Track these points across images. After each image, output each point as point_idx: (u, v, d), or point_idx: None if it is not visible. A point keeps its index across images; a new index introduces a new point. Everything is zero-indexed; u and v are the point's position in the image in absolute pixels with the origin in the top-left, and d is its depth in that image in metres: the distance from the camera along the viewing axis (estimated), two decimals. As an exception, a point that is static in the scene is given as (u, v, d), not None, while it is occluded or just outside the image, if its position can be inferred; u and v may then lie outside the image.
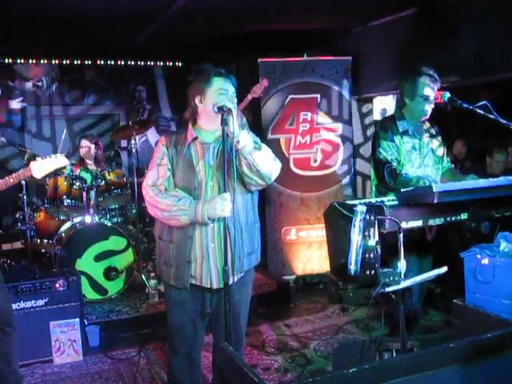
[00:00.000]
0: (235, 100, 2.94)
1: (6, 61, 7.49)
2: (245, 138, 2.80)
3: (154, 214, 3.00)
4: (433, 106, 3.74)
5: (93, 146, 6.19)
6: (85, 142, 6.19)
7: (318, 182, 6.13)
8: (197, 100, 2.96)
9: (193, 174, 2.92)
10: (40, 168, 3.68)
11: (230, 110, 2.72)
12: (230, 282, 2.87)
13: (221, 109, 2.74)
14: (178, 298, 3.02)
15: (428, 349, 2.08)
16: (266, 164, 2.85)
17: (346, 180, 6.20)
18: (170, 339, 3.21)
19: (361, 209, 2.77)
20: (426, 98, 3.71)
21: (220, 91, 2.88)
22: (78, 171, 6.09)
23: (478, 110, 3.37)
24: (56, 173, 5.55)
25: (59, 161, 3.78)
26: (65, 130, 6.26)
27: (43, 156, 3.78)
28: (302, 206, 6.14)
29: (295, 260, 6.14)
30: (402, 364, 1.95)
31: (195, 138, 2.97)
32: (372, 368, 1.89)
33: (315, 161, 6.12)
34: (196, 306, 3.03)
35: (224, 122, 2.72)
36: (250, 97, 5.43)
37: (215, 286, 2.94)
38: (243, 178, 2.89)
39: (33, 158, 4.84)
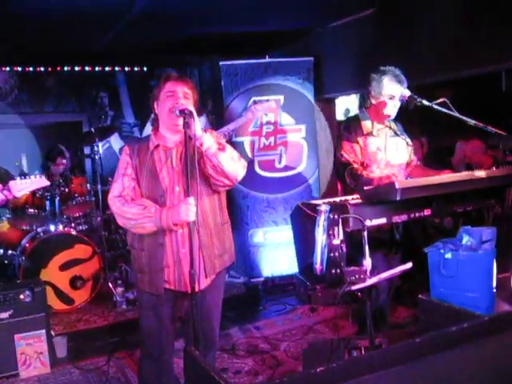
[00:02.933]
0: (189, 101, 2.94)
1: (-37, 69, 7.36)
2: (208, 140, 2.81)
3: (122, 224, 3.03)
4: (399, 105, 3.77)
5: (66, 161, 6.21)
6: (61, 160, 6.20)
7: (284, 183, 6.13)
8: (155, 106, 3.02)
9: (157, 182, 2.93)
10: (20, 187, 3.77)
11: (191, 113, 2.72)
12: (203, 284, 2.97)
13: (182, 112, 2.74)
14: (150, 302, 3.03)
15: (395, 345, 2.09)
16: (231, 164, 2.86)
17: (312, 180, 6.21)
18: (142, 344, 3.19)
19: (324, 208, 2.78)
20: (392, 98, 3.74)
21: (167, 94, 2.93)
22: None
23: (438, 107, 3.41)
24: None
25: (40, 181, 3.89)
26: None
27: (22, 177, 3.87)
28: (269, 208, 6.14)
29: (263, 262, 6.13)
30: (370, 361, 1.95)
31: (157, 146, 2.97)
32: (340, 366, 1.89)
33: (280, 162, 6.12)
34: (168, 310, 3.04)
35: (186, 125, 2.72)
36: (250, 115, 5.25)
37: (189, 290, 2.93)
38: (210, 180, 2.91)
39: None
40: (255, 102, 5.36)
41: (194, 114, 2.73)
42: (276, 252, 6.13)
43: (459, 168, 5.96)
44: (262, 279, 6.07)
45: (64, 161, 6.27)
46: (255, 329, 4.99)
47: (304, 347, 4.39)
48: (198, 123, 2.76)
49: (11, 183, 3.74)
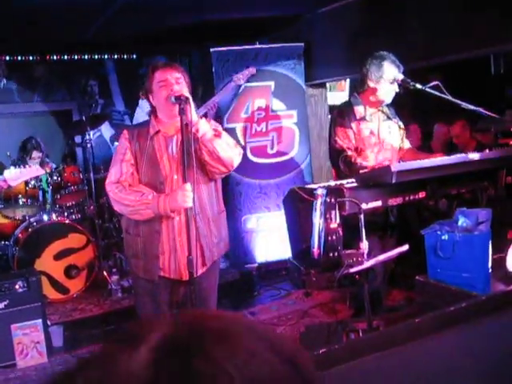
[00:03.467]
0: (182, 85, 2.93)
1: (-49, 59, 7.27)
2: (203, 126, 2.81)
3: (119, 210, 3.03)
4: (397, 90, 3.80)
5: (42, 154, 6.14)
6: (37, 154, 6.12)
7: (276, 168, 6.14)
8: (150, 97, 3.01)
9: (157, 169, 2.93)
10: (15, 176, 3.79)
11: (187, 99, 2.72)
12: (201, 271, 2.97)
13: (178, 98, 2.74)
14: (146, 288, 3.03)
15: (395, 325, 2.12)
16: (226, 150, 2.87)
17: (304, 166, 6.23)
18: None
19: (321, 192, 2.81)
20: (392, 82, 3.77)
21: (159, 84, 2.91)
22: None
23: (431, 90, 3.43)
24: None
25: (35, 170, 3.98)
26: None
27: (17, 166, 3.94)
28: (261, 194, 6.15)
29: (256, 248, 6.15)
30: (371, 342, 1.98)
31: (157, 132, 2.96)
32: (341, 348, 1.92)
33: (272, 148, 6.13)
34: (165, 296, 3.05)
35: (181, 112, 2.72)
36: (233, 84, 5.36)
37: (184, 278, 2.95)
38: (206, 167, 2.91)
39: None
40: (236, 72, 5.38)
41: (190, 99, 2.74)
42: (269, 237, 6.15)
43: (441, 151, 6.01)
44: (255, 265, 6.08)
45: (40, 154, 6.17)
46: (250, 314, 5.01)
47: (300, 331, 4.43)
48: (194, 109, 2.76)
49: (6, 172, 3.75)
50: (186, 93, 2.78)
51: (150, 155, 2.94)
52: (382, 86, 3.79)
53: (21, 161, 6.01)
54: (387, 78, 3.75)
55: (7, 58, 7.35)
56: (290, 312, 4.99)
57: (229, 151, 2.89)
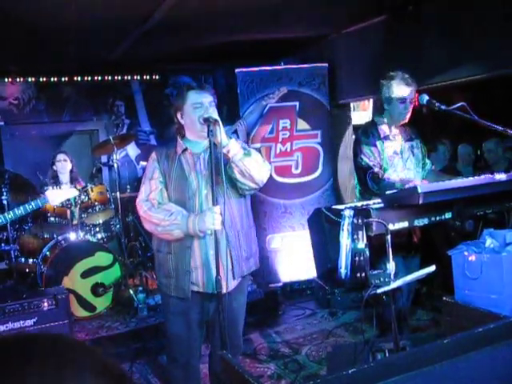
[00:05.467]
0: (214, 109, 2.99)
1: (-19, 80, 7.43)
2: (234, 146, 2.86)
3: (149, 229, 3.06)
4: (411, 108, 3.81)
5: (69, 160, 6.14)
6: (62, 156, 6.11)
7: (301, 188, 6.18)
8: (178, 116, 3.06)
9: (186, 184, 2.97)
10: (56, 196, 4.12)
11: (216, 121, 2.77)
12: (231, 287, 3.01)
13: (207, 120, 2.79)
14: (177, 307, 3.06)
15: (422, 346, 2.12)
16: (257, 168, 2.92)
17: (328, 185, 6.25)
18: (168, 349, 3.24)
19: (348, 213, 2.82)
20: (403, 101, 3.79)
21: (194, 105, 2.97)
22: None
23: (457, 112, 3.44)
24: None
25: (71, 191, 4.37)
26: None
27: (54, 186, 4.38)
28: (286, 214, 6.18)
29: (281, 267, 6.17)
30: (399, 362, 1.99)
31: (185, 149, 3.02)
32: (371, 368, 1.93)
33: (297, 168, 6.17)
34: (195, 315, 3.07)
35: (211, 133, 2.77)
36: (264, 103, 5.47)
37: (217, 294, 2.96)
38: (236, 184, 2.96)
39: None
40: (262, 92, 5.52)
41: (219, 121, 2.79)
42: (293, 257, 6.16)
43: (467, 172, 6.01)
44: (280, 284, 6.10)
45: (65, 156, 6.10)
46: (276, 334, 5.02)
47: (325, 351, 4.43)
48: (224, 131, 2.81)
49: (47, 192, 4.06)
50: (215, 115, 2.83)
51: (178, 172, 3.00)
52: (393, 106, 3.82)
53: (52, 177, 6.05)
54: (396, 97, 3.77)
55: (36, 79, 7.51)
56: (315, 331, 4.99)
57: (259, 168, 2.94)
